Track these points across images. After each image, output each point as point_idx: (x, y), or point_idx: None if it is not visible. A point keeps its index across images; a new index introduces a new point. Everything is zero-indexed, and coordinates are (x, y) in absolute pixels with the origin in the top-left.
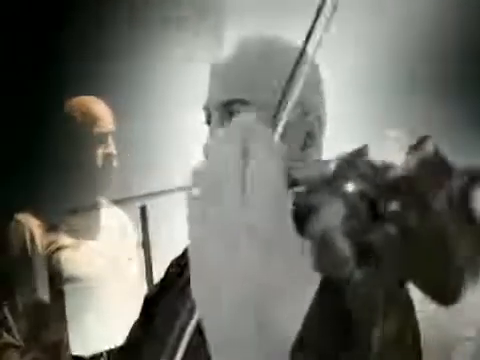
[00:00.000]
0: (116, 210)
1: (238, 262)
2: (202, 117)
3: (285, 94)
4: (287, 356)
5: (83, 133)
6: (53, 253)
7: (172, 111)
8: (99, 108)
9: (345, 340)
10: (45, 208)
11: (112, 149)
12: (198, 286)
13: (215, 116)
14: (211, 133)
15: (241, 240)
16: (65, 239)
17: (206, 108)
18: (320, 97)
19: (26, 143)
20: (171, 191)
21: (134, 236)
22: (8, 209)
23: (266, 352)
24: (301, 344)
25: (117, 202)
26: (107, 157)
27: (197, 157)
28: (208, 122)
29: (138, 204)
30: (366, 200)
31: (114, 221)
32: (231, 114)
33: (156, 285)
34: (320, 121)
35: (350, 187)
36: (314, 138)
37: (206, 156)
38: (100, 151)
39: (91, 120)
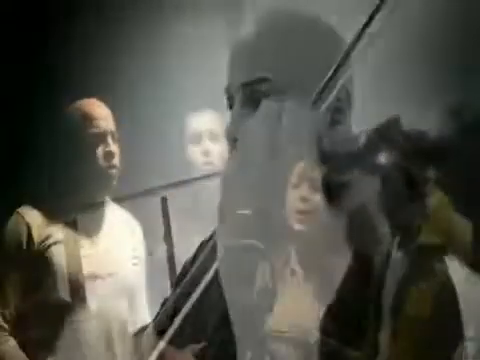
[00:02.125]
0: (123, 213)
1: None
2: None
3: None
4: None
5: (84, 133)
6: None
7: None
8: (99, 110)
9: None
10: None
11: (112, 148)
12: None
13: (237, 98)
14: (233, 116)
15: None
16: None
17: (227, 90)
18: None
19: (30, 142)
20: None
21: (142, 243)
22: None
23: None
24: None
25: (132, 197)
26: (107, 156)
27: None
28: (230, 106)
29: (159, 196)
30: (402, 172)
31: (120, 222)
32: (253, 95)
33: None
34: (348, 95)
35: (384, 160)
36: (342, 113)
37: (228, 139)
38: (100, 150)
39: (91, 121)
